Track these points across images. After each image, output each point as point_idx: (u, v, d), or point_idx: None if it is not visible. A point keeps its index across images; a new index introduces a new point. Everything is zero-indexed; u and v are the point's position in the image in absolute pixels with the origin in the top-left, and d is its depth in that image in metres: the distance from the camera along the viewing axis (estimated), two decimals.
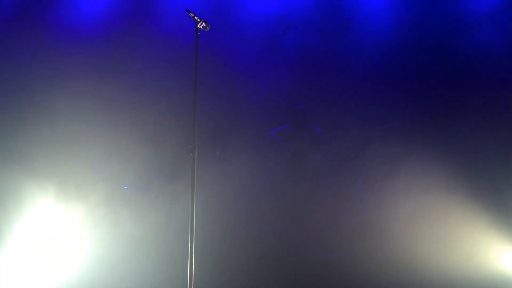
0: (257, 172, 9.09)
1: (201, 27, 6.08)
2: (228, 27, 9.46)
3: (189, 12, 6.02)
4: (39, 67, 8.96)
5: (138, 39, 9.30)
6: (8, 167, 8.27)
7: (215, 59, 9.11)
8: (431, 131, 9.19)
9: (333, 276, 8.46)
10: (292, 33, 9.71)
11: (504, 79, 9.27)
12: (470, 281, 8.29)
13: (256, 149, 9.45)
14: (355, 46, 9.67)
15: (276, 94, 9.55)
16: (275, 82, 9.55)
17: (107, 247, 8.39)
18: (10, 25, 9.28)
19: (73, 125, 8.80)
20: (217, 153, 9.34)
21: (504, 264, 8.48)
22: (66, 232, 8.40)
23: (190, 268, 5.47)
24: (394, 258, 8.53)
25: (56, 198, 8.42)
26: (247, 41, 9.59)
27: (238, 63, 9.54)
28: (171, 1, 9.64)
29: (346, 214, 8.88)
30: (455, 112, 9.34)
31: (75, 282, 8.00)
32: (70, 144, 8.77)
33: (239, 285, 8.20)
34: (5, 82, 8.96)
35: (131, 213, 8.62)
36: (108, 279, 8.03)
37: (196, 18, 6.03)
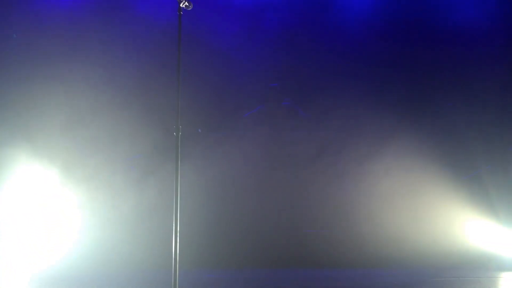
0: (240, 150, 9.14)
1: (183, 6, 6.05)
2: (209, 7, 9.36)
3: None
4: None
5: (118, 20, 9.17)
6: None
7: (197, 38, 9.03)
8: (410, 109, 9.25)
9: (313, 250, 8.64)
10: (272, 13, 9.64)
11: (482, 58, 9.33)
12: (447, 255, 8.54)
13: (239, 127, 9.49)
14: (336, 24, 9.65)
15: (259, 72, 9.52)
16: (257, 61, 9.51)
17: (101, 227, 8.49)
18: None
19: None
20: (199, 130, 9.36)
21: (478, 238, 8.72)
22: (64, 212, 8.47)
23: (175, 245, 5.53)
24: (373, 233, 8.72)
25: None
26: (228, 21, 9.53)
27: (220, 42, 9.48)
28: None
29: (327, 192, 8.99)
30: (433, 91, 9.41)
31: (70, 259, 8.14)
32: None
33: (223, 260, 8.35)
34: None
35: (128, 193, 8.68)
36: (101, 257, 8.19)
37: None
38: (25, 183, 8.32)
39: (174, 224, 5.57)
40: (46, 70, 8.78)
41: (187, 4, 6.05)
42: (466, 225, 8.82)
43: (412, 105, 9.31)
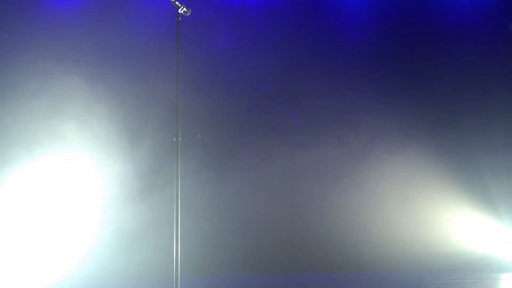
0: (241, 154, 9.16)
1: (182, 12, 6.07)
2: (207, 12, 9.33)
3: None
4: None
5: (114, 25, 9.11)
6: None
7: (195, 44, 9.00)
8: (412, 114, 9.22)
9: (316, 254, 8.65)
10: (267, 20, 9.63)
11: (487, 59, 9.30)
12: (448, 256, 8.54)
13: (238, 132, 9.51)
14: (334, 29, 9.65)
15: (255, 76, 9.50)
16: (254, 65, 9.48)
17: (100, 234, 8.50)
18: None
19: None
20: (199, 136, 9.40)
21: (479, 239, 8.72)
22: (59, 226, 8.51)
23: (176, 251, 5.55)
24: (375, 236, 8.73)
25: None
26: (225, 28, 9.54)
27: (216, 48, 9.49)
28: None
29: (328, 198, 8.99)
30: (437, 94, 9.40)
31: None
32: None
33: (225, 265, 8.35)
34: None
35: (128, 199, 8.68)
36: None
37: (177, 3, 6.02)
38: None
39: (175, 229, 5.59)
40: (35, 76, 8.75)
41: (185, 10, 6.08)
42: (468, 226, 8.82)
43: (414, 109, 9.26)
